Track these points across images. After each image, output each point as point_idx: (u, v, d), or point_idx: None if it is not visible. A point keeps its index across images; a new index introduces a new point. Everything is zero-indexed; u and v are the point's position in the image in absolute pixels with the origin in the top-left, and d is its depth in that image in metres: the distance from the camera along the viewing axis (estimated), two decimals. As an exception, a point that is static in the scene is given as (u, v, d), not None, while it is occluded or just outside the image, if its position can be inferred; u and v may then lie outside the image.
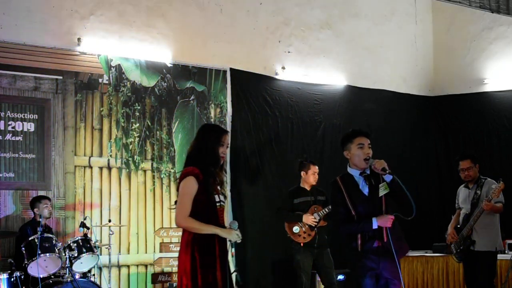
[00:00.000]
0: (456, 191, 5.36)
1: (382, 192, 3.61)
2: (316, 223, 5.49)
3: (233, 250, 3.33)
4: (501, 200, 4.98)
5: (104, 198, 5.94)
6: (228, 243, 3.33)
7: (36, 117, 5.69)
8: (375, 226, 3.55)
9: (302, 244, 5.48)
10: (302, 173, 5.64)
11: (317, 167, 5.64)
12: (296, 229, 5.51)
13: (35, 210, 5.33)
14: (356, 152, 3.66)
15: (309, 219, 5.47)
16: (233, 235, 3.28)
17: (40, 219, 5.21)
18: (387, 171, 3.52)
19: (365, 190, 3.64)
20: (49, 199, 5.45)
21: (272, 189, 6.69)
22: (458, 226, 5.14)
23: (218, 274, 3.25)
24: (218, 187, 3.37)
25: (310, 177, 5.60)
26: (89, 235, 5.25)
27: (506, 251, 6.09)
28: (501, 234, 5.13)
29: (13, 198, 5.52)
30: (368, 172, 3.64)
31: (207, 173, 3.29)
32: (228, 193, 6.54)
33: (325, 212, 5.49)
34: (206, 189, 3.26)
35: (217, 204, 3.32)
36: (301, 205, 5.58)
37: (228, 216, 6.55)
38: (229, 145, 3.41)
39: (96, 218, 5.82)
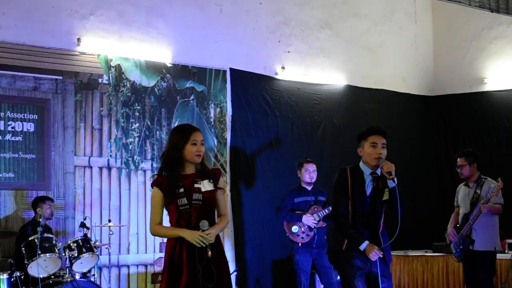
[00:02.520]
0: (456, 190, 5.36)
1: (384, 197, 3.62)
2: (315, 224, 5.50)
3: (209, 251, 3.15)
4: (500, 201, 4.98)
5: (104, 198, 5.95)
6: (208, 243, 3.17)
7: (36, 117, 5.70)
8: (362, 248, 3.58)
9: (300, 244, 5.50)
10: (298, 172, 5.68)
11: (311, 165, 5.64)
12: (295, 228, 5.53)
13: (38, 210, 5.32)
14: (368, 150, 3.67)
15: (309, 220, 5.48)
16: (194, 237, 3.16)
17: (40, 219, 5.22)
18: (391, 177, 3.53)
19: (368, 190, 3.66)
20: (52, 200, 5.46)
21: (272, 189, 6.70)
22: (458, 225, 5.15)
23: (184, 277, 3.18)
24: (197, 185, 3.26)
25: (305, 175, 5.61)
26: (89, 235, 5.26)
27: (506, 251, 6.11)
28: (500, 234, 5.12)
29: (13, 198, 5.53)
30: (379, 173, 3.66)
31: (173, 179, 3.24)
32: (228, 193, 6.57)
33: (325, 213, 5.50)
34: (169, 195, 3.25)
35: (181, 207, 3.23)
36: (302, 204, 5.60)
37: (228, 216, 6.57)
38: (203, 143, 3.29)
39: (96, 218, 5.83)
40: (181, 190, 3.25)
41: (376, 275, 3.60)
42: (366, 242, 3.58)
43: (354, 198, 3.64)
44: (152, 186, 3.34)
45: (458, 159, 5.13)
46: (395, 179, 3.54)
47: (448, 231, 5.20)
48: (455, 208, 5.28)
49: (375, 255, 3.57)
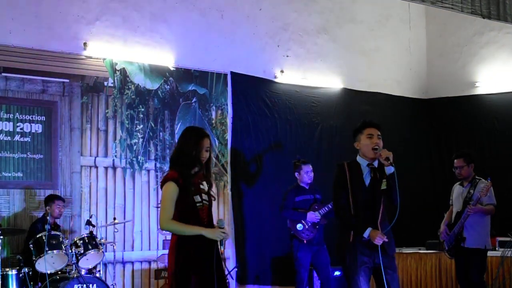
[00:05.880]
0: (448, 189, 5.50)
1: (382, 186, 3.65)
2: (318, 221, 5.68)
3: (222, 248, 3.28)
4: (492, 202, 5.11)
5: (109, 197, 6.06)
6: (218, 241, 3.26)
7: (44, 119, 5.81)
8: (366, 235, 3.59)
9: (305, 241, 5.62)
10: (296, 174, 5.81)
11: (309, 166, 5.77)
12: (299, 226, 5.65)
13: (47, 208, 5.42)
14: (365, 142, 3.72)
15: (312, 217, 5.63)
16: (217, 234, 3.25)
17: (48, 217, 5.31)
18: (389, 162, 3.57)
19: (367, 181, 3.69)
20: (63, 200, 5.54)
21: (271, 189, 6.82)
22: (452, 223, 5.26)
23: (205, 275, 3.25)
24: (202, 186, 3.37)
25: (304, 176, 5.75)
26: (94, 233, 5.37)
27: (496, 248, 6.19)
28: (491, 232, 5.22)
29: (21, 197, 5.64)
30: (376, 165, 3.68)
31: (187, 176, 3.31)
32: (229, 193, 6.70)
33: (325, 210, 5.64)
34: (186, 192, 3.28)
35: (198, 204, 3.31)
36: (302, 203, 5.72)
37: (228, 215, 6.72)
38: (209, 148, 3.38)
39: (102, 216, 5.93)
40: (193, 188, 3.35)
41: (379, 266, 3.60)
42: (369, 229, 3.57)
43: (354, 190, 3.67)
44: (165, 181, 3.31)
45: (456, 160, 5.21)
46: (394, 164, 3.57)
47: (441, 229, 5.33)
48: (450, 207, 5.39)
49: (379, 239, 3.57)
